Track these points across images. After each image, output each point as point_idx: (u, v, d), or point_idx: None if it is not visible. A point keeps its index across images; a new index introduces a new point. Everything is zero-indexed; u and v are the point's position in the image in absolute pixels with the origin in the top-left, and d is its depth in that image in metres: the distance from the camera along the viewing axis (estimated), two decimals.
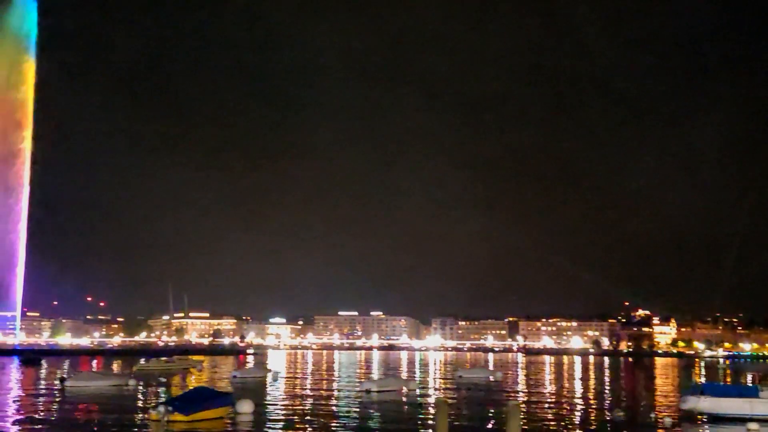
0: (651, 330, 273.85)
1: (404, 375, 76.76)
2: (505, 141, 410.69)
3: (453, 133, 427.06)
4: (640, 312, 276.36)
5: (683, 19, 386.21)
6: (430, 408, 40.43)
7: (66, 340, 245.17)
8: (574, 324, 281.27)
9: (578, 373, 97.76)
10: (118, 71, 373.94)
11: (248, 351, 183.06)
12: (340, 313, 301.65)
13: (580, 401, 49.79)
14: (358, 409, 40.53)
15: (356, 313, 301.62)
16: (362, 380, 62.17)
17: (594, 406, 45.86)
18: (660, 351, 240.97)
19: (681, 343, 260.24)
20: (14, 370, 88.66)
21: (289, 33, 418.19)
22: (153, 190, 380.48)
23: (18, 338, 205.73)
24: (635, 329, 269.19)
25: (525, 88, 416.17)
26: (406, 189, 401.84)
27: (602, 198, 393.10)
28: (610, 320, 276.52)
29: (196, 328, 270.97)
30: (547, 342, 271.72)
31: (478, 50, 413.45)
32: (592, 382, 74.62)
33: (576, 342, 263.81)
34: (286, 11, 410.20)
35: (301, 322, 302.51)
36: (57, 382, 58.26)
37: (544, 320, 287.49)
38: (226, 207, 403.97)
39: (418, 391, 52.90)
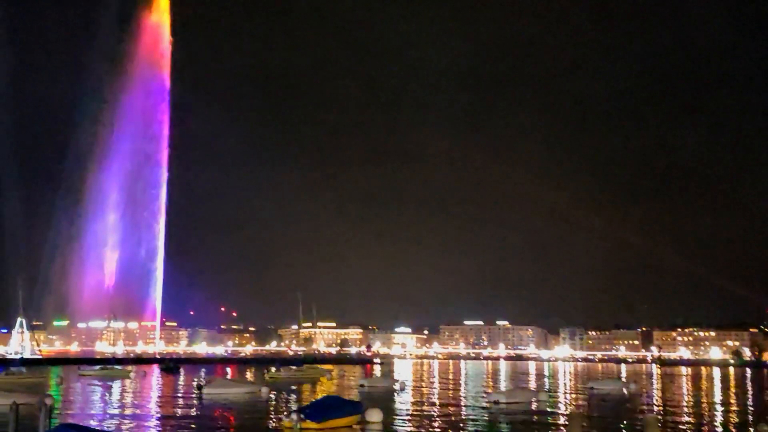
0: None
1: (533, 386, 75.19)
2: (624, 142, 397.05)
3: (569, 135, 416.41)
4: None
5: None
6: (560, 420, 39.32)
7: (202, 348, 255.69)
8: (712, 333, 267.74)
9: (718, 384, 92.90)
10: (230, 79, 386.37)
11: (375, 360, 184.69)
12: (465, 322, 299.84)
13: (720, 414, 47.19)
14: (486, 421, 39.91)
15: (482, 323, 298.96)
16: (490, 391, 61.29)
17: (736, 420, 43.30)
18: None
19: None
20: (155, 377, 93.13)
21: (400, 40, 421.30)
22: (275, 199, 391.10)
23: (158, 347, 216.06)
24: None
25: (644, 88, 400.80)
26: (525, 194, 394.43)
27: (737, 202, 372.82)
28: (751, 329, 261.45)
29: (324, 338, 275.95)
30: (684, 353, 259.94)
31: (590, 49, 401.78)
32: (732, 395, 70.68)
33: (714, 352, 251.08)
34: (396, 18, 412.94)
35: (426, 332, 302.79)
36: (195, 388, 60.53)
37: (679, 330, 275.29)
38: (348, 216, 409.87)
39: (548, 403, 51.63)
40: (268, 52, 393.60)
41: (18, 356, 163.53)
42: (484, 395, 56.31)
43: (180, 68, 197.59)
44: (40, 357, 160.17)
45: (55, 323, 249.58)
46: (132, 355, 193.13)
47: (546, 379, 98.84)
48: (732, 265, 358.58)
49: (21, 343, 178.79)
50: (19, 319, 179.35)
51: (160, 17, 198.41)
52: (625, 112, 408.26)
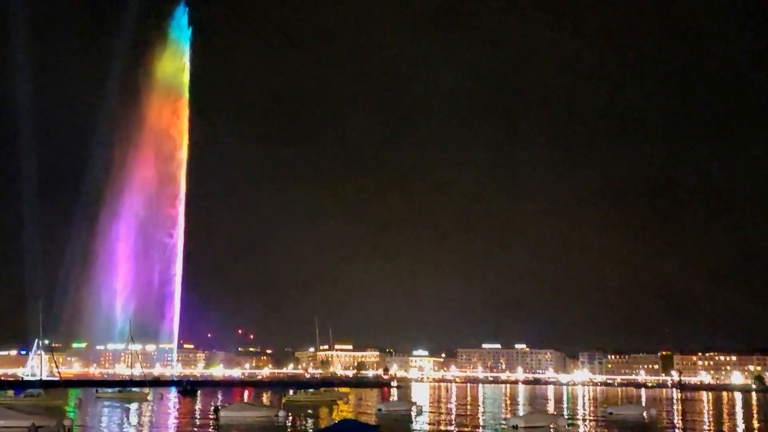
0: None
1: (552, 410, 74.52)
2: (641, 163, 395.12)
3: (583, 158, 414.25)
4: None
5: None
6: None
7: (219, 371, 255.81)
8: (734, 358, 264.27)
9: (739, 410, 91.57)
10: (249, 104, 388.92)
11: (392, 384, 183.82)
12: (483, 345, 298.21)
13: None
14: None
15: (499, 346, 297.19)
16: (508, 416, 60.80)
17: None
18: None
19: None
20: (173, 399, 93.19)
21: (418, 65, 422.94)
22: (292, 222, 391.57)
23: (175, 369, 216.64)
24: None
25: (663, 107, 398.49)
26: (542, 219, 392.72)
27: (761, 225, 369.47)
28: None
29: (341, 360, 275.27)
30: (704, 377, 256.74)
31: (604, 65, 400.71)
32: (754, 421, 69.64)
33: (736, 377, 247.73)
34: (416, 45, 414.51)
35: (443, 355, 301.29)
36: (212, 411, 60.52)
37: (700, 354, 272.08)
38: (365, 240, 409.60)
39: (567, 427, 51.13)
40: (282, 78, 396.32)
41: (36, 378, 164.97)
42: (503, 420, 55.86)
43: (197, 94, 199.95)
44: (59, 379, 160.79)
45: (74, 345, 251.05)
46: (150, 377, 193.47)
47: (565, 404, 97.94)
48: (754, 289, 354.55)
49: (38, 366, 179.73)
50: (36, 341, 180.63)
51: (177, 47, 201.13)
52: (642, 132, 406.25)
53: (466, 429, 51.59)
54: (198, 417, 61.01)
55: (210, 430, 47.91)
